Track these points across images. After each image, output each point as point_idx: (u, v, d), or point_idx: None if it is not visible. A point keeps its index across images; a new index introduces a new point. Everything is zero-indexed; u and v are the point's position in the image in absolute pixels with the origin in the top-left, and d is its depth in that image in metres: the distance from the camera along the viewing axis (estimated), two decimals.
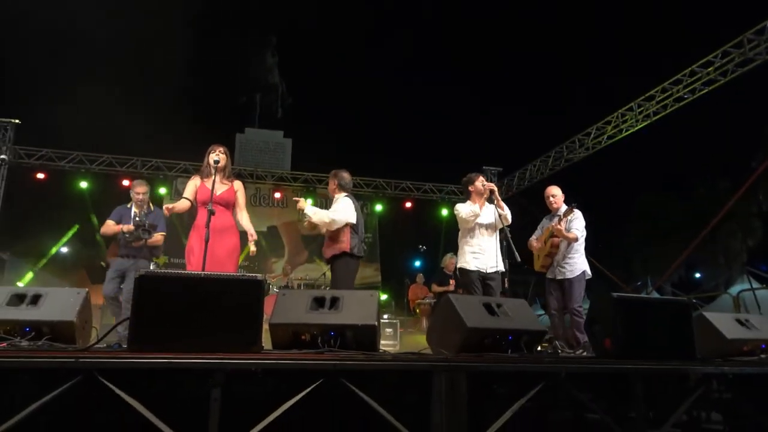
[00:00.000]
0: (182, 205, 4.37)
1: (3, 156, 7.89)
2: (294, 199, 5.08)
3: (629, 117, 9.96)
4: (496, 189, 4.93)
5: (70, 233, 13.57)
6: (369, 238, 12.57)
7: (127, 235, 5.34)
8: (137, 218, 5.39)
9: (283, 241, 12.92)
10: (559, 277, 5.03)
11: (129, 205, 5.60)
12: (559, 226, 4.96)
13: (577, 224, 5.00)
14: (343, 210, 4.62)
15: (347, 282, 4.56)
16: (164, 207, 4.72)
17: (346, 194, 4.83)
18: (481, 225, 4.95)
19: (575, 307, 4.85)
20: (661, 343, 3.02)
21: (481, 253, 4.88)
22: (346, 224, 4.60)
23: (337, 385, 2.28)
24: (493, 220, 4.96)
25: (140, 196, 5.58)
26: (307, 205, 4.68)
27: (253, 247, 4.45)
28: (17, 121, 10.65)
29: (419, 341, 7.27)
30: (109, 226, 5.49)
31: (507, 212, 4.92)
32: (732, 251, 23.47)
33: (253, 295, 2.51)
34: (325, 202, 13.06)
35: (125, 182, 11.19)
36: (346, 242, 4.57)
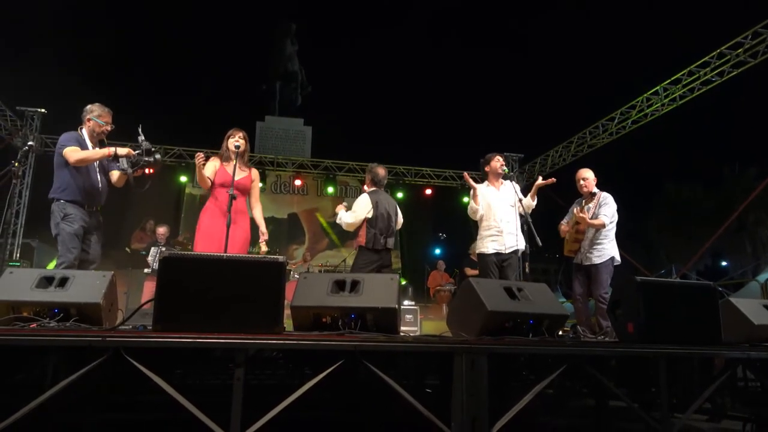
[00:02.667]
0: (205, 181, 4.37)
1: (31, 142, 8.01)
2: (339, 205, 5.22)
3: (655, 101, 9.76)
4: (540, 180, 4.95)
5: None
6: None
7: (132, 159, 4.13)
8: (142, 139, 4.13)
9: (303, 228, 13.00)
10: (585, 263, 4.94)
11: (82, 137, 4.21)
12: (582, 214, 4.87)
13: (606, 210, 4.89)
14: (354, 210, 5.00)
15: (359, 271, 4.80)
16: (199, 157, 4.17)
17: (372, 189, 5.12)
18: (496, 206, 4.91)
19: (601, 294, 4.76)
20: (686, 327, 2.96)
21: (499, 235, 4.86)
22: (363, 220, 4.93)
23: (358, 367, 2.29)
24: (512, 199, 4.93)
25: (110, 128, 4.31)
26: (342, 210, 5.07)
27: (264, 247, 4.54)
28: (43, 110, 10.87)
29: (439, 327, 7.27)
30: (86, 152, 4.07)
31: (532, 204, 4.87)
32: (760, 240, 22.97)
33: (275, 276, 2.53)
34: (345, 189, 13.12)
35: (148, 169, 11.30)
36: (362, 236, 4.92)
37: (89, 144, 4.19)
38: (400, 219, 5.22)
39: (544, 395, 3.40)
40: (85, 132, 4.23)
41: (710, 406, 3.49)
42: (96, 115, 4.23)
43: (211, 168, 4.42)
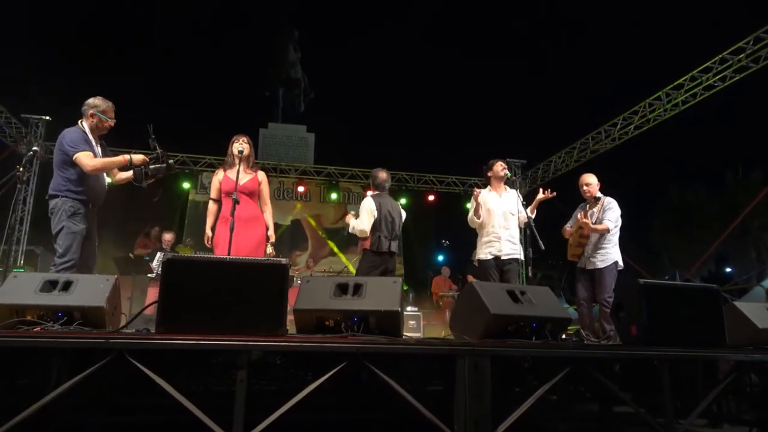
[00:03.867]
0: (213, 217, 4.42)
1: (35, 147, 8.02)
2: (347, 215, 5.21)
3: (657, 106, 9.76)
4: (540, 194, 4.94)
5: None
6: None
7: (145, 168, 4.01)
8: (155, 145, 4.03)
9: (306, 234, 13.01)
10: (589, 267, 4.94)
11: (87, 136, 4.02)
12: (586, 220, 4.87)
13: (609, 215, 4.90)
14: (360, 215, 5.00)
15: (363, 274, 4.85)
16: (206, 238, 4.39)
17: (376, 193, 5.13)
18: (496, 213, 4.91)
19: (605, 298, 4.76)
20: (689, 330, 2.95)
21: (497, 240, 4.85)
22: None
23: (361, 370, 2.29)
24: (513, 207, 4.93)
25: (113, 123, 4.14)
26: (352, 219, 5.05)
27: (270, 249, 4.52)
28: (48, 117, 10.91)
29: (443, 333, 7.26)
30: (102, 160, 3.99)
31: (531, 217, 4.85)
32: (764, 245, 22.85)
33: (278, 278, 2.54)
34: (348, 195, 13.12)
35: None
36: (368, 240, 4.93)
37: (92, 140, 4.02)
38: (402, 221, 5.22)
39: (548, 400, 3.39)
40: (86, 126, 4.04)
41: (715, 409, 3.47)
42: (101, 111, 4.04)
43: (215, 183, 4.47)
